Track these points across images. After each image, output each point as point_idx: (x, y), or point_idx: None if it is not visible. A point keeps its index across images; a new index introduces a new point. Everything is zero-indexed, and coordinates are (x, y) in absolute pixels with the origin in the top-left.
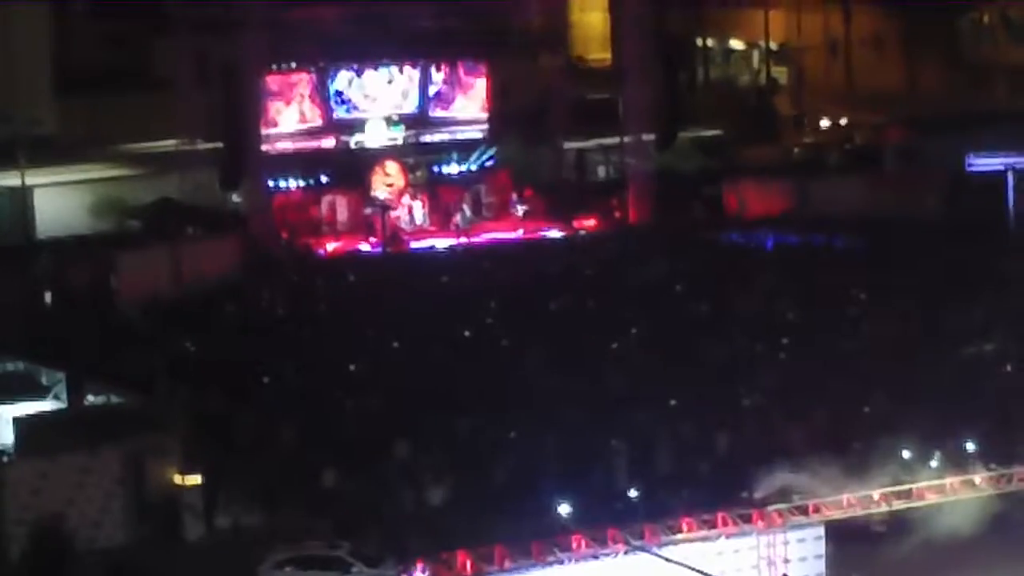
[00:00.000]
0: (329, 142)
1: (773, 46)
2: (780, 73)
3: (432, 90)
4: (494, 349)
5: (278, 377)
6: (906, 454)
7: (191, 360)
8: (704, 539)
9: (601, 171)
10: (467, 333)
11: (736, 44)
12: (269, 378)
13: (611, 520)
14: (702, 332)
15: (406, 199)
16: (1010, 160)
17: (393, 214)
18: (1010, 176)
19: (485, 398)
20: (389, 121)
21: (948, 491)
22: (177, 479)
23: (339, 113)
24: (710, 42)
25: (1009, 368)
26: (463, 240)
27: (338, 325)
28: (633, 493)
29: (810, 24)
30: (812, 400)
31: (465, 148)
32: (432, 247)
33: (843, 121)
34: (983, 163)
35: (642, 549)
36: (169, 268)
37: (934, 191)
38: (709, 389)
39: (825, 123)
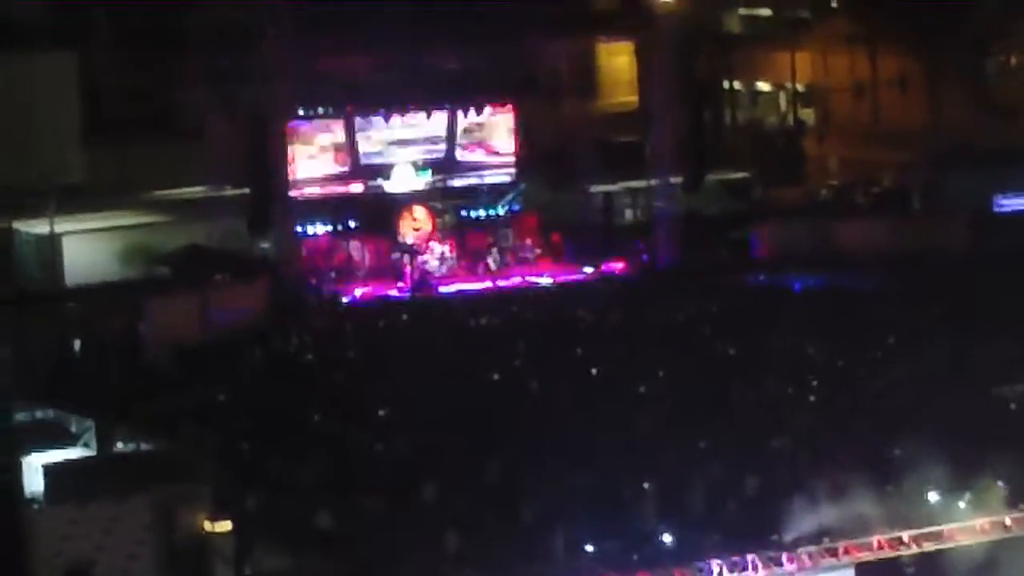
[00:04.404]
0: (356, 187)
1: (800, 88)
2: (807, 114)
3: (459, 134)
4: (523, 392)
5: (308, 423)
6: (936, 495)
7: (220, 406)
8: None
9: (628, 214)
10: (496, 377)
11: (763, 86)
12: (299, 424)
13: (640, 563)
14: (731, 375)
15: (434, 244)
16: None
17: (421, 259)
18: None
19: (514, 441)
20: (416, 166)
21: (979, 532)
22: (207, 526)
23: (366, 159)
24: (737, 84)
25: None
26: (491, 284)
27: (367, 370)
28: (662, 535)
29: (836, 65)
30: (842, 442)
31: (493, 192)
32: (460, 292)
33: (870, 162)
34: (1012, 203)
35: None
36: (198, 314)
37: (963, 231)
38: (739, 432)
39: (852, 164)
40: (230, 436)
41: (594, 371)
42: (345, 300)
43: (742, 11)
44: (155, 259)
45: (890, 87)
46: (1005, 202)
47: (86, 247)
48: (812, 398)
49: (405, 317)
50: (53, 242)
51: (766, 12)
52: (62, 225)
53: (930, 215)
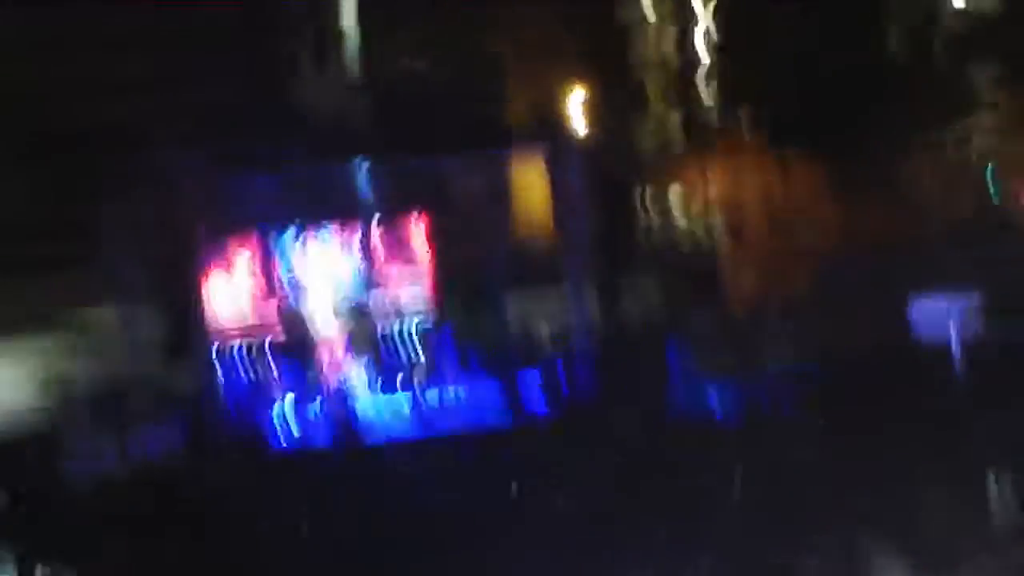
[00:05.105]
0: (272, 308)
1: (712, 200)
2: (719, 226)
3: (374, 249)
4: (451, 535)
5: (229, 565)
6: None
7: (140, 542)
8: None
9: (543, 326)
10: (422, 519)
11: (675, 199)
12: (220, 565)
13: None
14: (656, 508)
15: (351, 360)
16: (953, 300)
17: (339, 377)
18: (954, 313)
19: None
20: (332, 284)
21: None
22: None
23: (282, 279)
24: (649, 197)
25: None
26: (412, 408)
27: (286, 510)
28: None
29: (749, 177)
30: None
31: (409, 306)
32: (379, 416)
33: (786, 274)
34: (926, 304)
35: None
36: (110, 450)
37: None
38: (669, 567)
39: (767, 277)
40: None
41: (524, 506)
42: (261, 426)
43: (653, 123)
44: (70, 388)
45: (805, 198)
46: (919, 303)
47: None
48: (743, 527)
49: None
50: None
51: (675, 122)
52: None
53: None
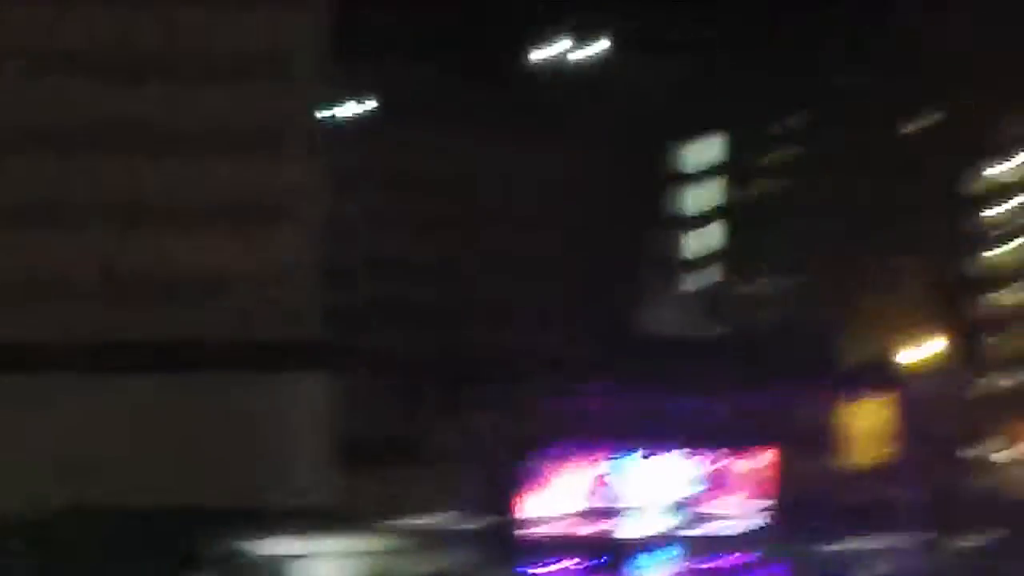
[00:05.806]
0: (600, 526)
1: None
2: None
3: (711, 479)
4: None
5: None
6: None
7: None
8: None
9: (879, 568)
10: None
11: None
12: None
13: None
14: None
15: None
16: None
17: None
18: None
19: None
20: (661, 509)
21: None
22: None
23: (614, 499)
24: (995, 446)
25: None
26: None
27: None
28: None
29: None
30: None
31: (742, 540)
32: None
33: None
34: None
35: None
36: None
37: None
38: None
39: None
40: None
41: None
42: None
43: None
44: None
45: None
46: None
47: (327, 570)
48: None
49: None
50: (288, 564)
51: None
52: (303, 547)
53: None
